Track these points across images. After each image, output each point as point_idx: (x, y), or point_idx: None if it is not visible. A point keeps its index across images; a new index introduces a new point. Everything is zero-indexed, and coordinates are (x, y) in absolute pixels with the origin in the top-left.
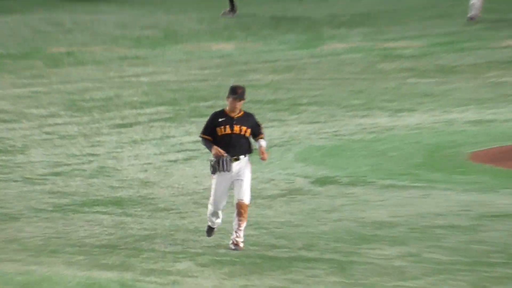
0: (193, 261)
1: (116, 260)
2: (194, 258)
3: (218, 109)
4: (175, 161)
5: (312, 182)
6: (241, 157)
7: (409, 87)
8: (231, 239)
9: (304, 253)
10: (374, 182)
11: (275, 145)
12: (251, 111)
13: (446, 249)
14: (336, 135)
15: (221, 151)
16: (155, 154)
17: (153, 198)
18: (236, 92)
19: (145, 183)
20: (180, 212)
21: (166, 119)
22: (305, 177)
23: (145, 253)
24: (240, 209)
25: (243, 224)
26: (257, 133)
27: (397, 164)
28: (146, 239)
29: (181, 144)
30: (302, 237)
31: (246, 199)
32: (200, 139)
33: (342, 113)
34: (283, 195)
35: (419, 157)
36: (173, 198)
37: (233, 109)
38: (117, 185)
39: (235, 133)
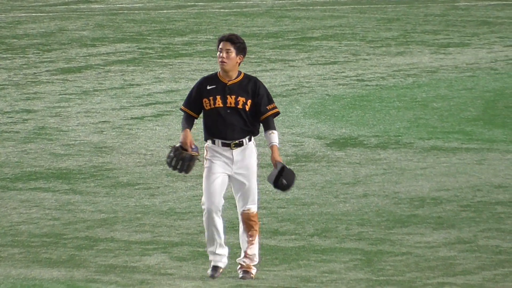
0: (167, 254)
1: (62, 253)
2: (168, 250)
3: (208, 73)
4: (141, 118)
5: (328, 145)
6: (243, 141)
7: (459, 13)
8: (239, 263)
9: (317, 241)
10: (412, 143)
11: (277, 95)
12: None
13: (509, 233)
14: (360, 80)
15: (189, 142)
16: (113, 109)
17: (111, 170)
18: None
19: (101, 149)
20: (149, 188)
21: (128, 61)
22: (318, 138)
23: (102, 244)
24: (247, 220)
25: (255, 240)
26: (262, 110)
27: (443, 119)
28: (102, 225)
29: (149, 95)
30: (315, 220)
31: (253, 206)
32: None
33: (368, 50)
34: (288, 163)
35: (473, 109)
36: (139, 169)
37: (225, 70)
38: (62, 152)
39: (229, 107)
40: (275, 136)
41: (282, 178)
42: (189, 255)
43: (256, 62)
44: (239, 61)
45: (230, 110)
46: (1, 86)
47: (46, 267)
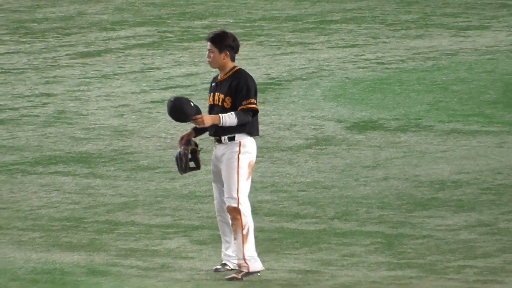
0: (187, 237)
1: (82, 237)
2: (189, 234)
3: None
4: (161, 101)
5: (348, 128)
6: (223, 139)
7: None
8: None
9: (338, 224)
10: (432, 126)
11: (297, 78)
12: (244, 73)
13: None
14: (380, 63)
15: (180, 139)
16: (133, 92)
17: (131, 153)
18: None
19: (121, 133)
20: (170, 172)
21: (147, 45)
22: (338, 121)
23: (122, 228)
24: (229, 213)
25: (238, 238)
26: (237, 105)
27: (464, 101)
28: (123, 208)
29: (169, 78)
30: (335, 203)
31: (230, 200)
32: None
33: (387, 33)
34: (308, 146)
35: (493, 92)
36: (160, 153)
37: (213, 68)
38: (82, 136)
39: (215, 104)
40: (228, 115)
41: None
42: (210, 238)
43: (276, 45)
44: (226, 58)
45: (216, 107)
46: (21, 70)
47: (66, 251)
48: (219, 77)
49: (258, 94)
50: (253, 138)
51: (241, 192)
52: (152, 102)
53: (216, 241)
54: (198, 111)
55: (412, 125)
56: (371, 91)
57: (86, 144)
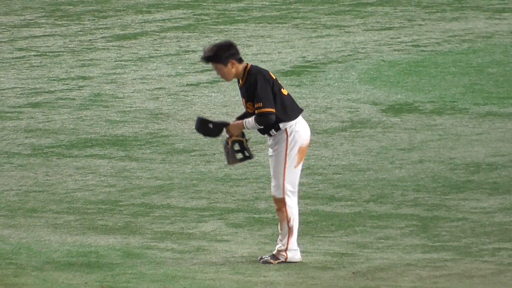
0: (223, 220)
1: (118, 220)
2: (224, 217)
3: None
4: (196, 84)
5: (383, 111)
6: (271, 132)
7: None
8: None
9: (373, 207)
10: (468, 109)
11: (333, 61)
12: (258, 69)
13: None
14: (415, 46)
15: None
16: (169, 75)
17: (167, 136)
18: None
19: (156, 116)
20: (205, 155)
21: (183, 28)
22: (374, 103)
23: (158, 211)
24: (276, 205)
25: (283, 229)
26: (255, 109)
27: (499, 84)
28: (158, 191)
29: None
30: (371, 186)
31: (275, 192)
32: None
33: (423, 16)
34: (344, 129)
35: None
36: (195, 136)
37: (230, 81)
38: (117, 119)
39: (246, 109)
40: (250, 119)
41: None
42: (245, 221)
43: (311, 28)
44: (234, 66)
45: (246, 112)
46: (57, 53)
47: (102, 234)
48: (240, 83)
49: (294, 77)
50: (298, 118)
51: (287, 181)
52: (187, 85)
53: (251, 224)
54: (220, 125)
55: (447, 108)
56: (406, 74)
57: (122, 127)
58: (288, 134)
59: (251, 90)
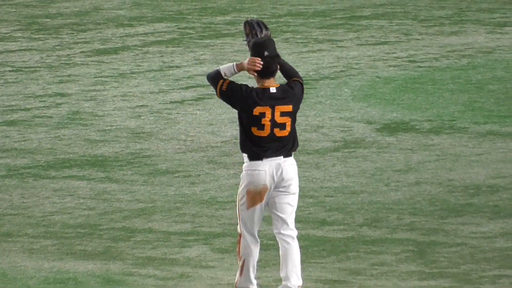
0: (208, 246)
1: (98, 245)
2: (209, 241)
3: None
4: (181, 102)
5: (378, 130)
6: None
7: None
8: None
9: (367, 231)
10: (467, 128)
11: (325, 77)
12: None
13: None
14: (412, 62)
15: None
16: (152, 92)
17: (149, 157)
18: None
19: (138, 135)
20: (190, 176)
21: (167, 42)
22: (368, 122)
23: (139, 235)
24: None
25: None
26: None
27: (500, 102)
28: (140, 215)
29: (189, 77)
30: (365, 209)
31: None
32: None
33: (420, 30)
34: (336, 149)
35: None
36: (179, 156)
37: None
38: (97, 138)
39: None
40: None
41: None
42: (232, 246)
43: (302, 42)
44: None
45: None
46: (34, 69)
47: (80, 259)
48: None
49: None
50: (256, 162)
51: (241, 220)
52: (171, 102)
53: None
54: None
55: (446, 127)
56: (402, 91)
57: (102, 146)
58: (243, 170)
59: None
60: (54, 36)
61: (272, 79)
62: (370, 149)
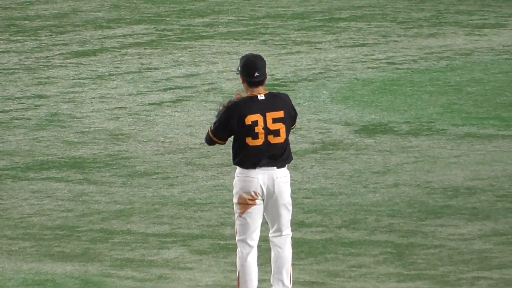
0: (186, 247)
1: (76, 247)
2: (188, 243)
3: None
4: (159, 104)
5: (356, 132)
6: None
7: None
8: None
9: (345, 233)
10: (445, 130)
11: (303, 79)
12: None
13: None
14: (390, 64)
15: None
16: (130, 94)
17: (128, 158)
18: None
19: (116, 137)
20: (168, 178)
21: (145, 44)
22: (346, 124)
23: (118, 237)
24: None
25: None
26: None
27: (479, 104)
28: (118, 216)
29: (167, 79)
30: (343, 211)
31: None
32: None
33: (398, 32)
34: (314, 151)
35: (510, 94)
36: (157, 158)
37: None
38: (75, 140)
39: None
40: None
41: None
42: (210, 248)
43: (280, 44)
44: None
45: None
46: (12, 70)
47: (59, 261)
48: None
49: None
50: (249, 169)
51: (237, 227)
52: (149, 104)
53: (216, 251)
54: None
55: (424, 129)
56: (381, 93)
57: (80, 148)
58: (235, 176)
59: None
60: (32, 38)
61: (260, 88)
62: (348, 151)
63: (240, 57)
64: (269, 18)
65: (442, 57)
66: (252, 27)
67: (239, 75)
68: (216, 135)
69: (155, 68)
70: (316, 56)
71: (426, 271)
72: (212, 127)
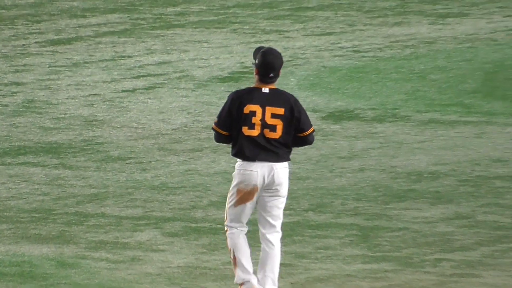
0: (159, 230)
1: (52, 229)
2: (160, 226)
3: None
4: (132, 91)
5: (323, 118)
6: None
7: None
8: None
9: (312, 216)
10: (410, 116)
11: None
12: None
13: (508, 208)
14: (356, 52)
15: None
16: (104, 81)
17: (102, 144)
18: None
19: (91, 123)
20: (141, 163)
21: (119, 33)
22: (314, 110)
23: (92, 220)
24: None
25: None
26: None
27: (442, 91)
28: (92, 200)
29: (140, 67)
30: (310, 195)
31: None
32: None
33: (364, 21)
34: None
35: (472, 81)
36: (131, 143)
37: None
38: (51, 126)
39: None
40: None
41: None
42: (182, 230)
43: (250, 33)
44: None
45: None
46: None
47: (35, 243)
48: None
49: (232, 83)
50: (249, 162)
51: (228, 215)
52: (123, 91)
53: (188, 233)
54: None
55: (389, 115)
56: (347, 80)
57: (56, 134)
58: (236, 168)
59: None
60: (9, 26)
61: (271, 85)
62: (316, 137)
63: (257, 47)
64: (239, 7)
65: (406, 46)
66: (223, 16)
67: (254, 67)
68: (219, 125)
69: (129, 56)
70: (284, 44)
71: (391, 253)
72: (215, 120)
